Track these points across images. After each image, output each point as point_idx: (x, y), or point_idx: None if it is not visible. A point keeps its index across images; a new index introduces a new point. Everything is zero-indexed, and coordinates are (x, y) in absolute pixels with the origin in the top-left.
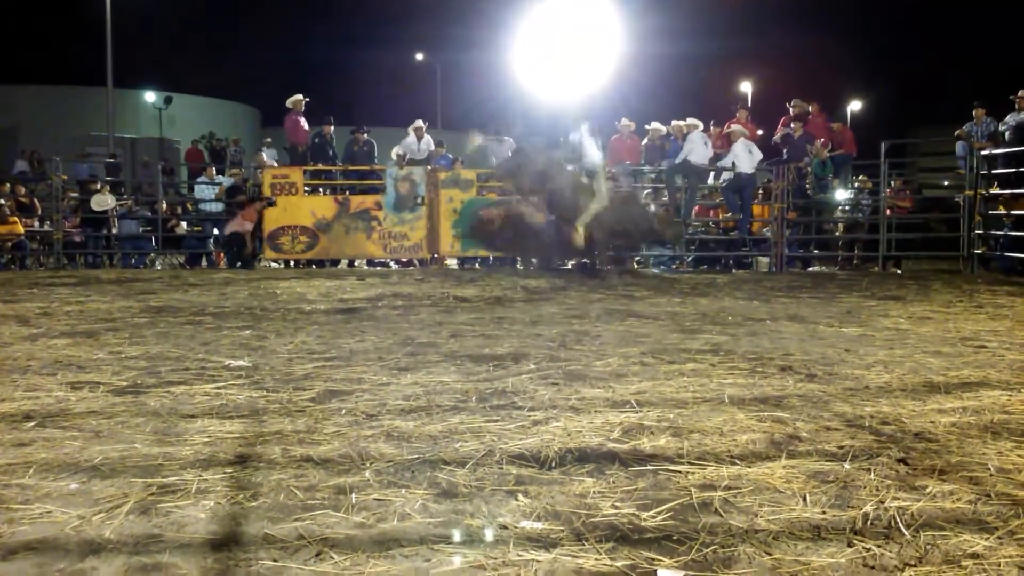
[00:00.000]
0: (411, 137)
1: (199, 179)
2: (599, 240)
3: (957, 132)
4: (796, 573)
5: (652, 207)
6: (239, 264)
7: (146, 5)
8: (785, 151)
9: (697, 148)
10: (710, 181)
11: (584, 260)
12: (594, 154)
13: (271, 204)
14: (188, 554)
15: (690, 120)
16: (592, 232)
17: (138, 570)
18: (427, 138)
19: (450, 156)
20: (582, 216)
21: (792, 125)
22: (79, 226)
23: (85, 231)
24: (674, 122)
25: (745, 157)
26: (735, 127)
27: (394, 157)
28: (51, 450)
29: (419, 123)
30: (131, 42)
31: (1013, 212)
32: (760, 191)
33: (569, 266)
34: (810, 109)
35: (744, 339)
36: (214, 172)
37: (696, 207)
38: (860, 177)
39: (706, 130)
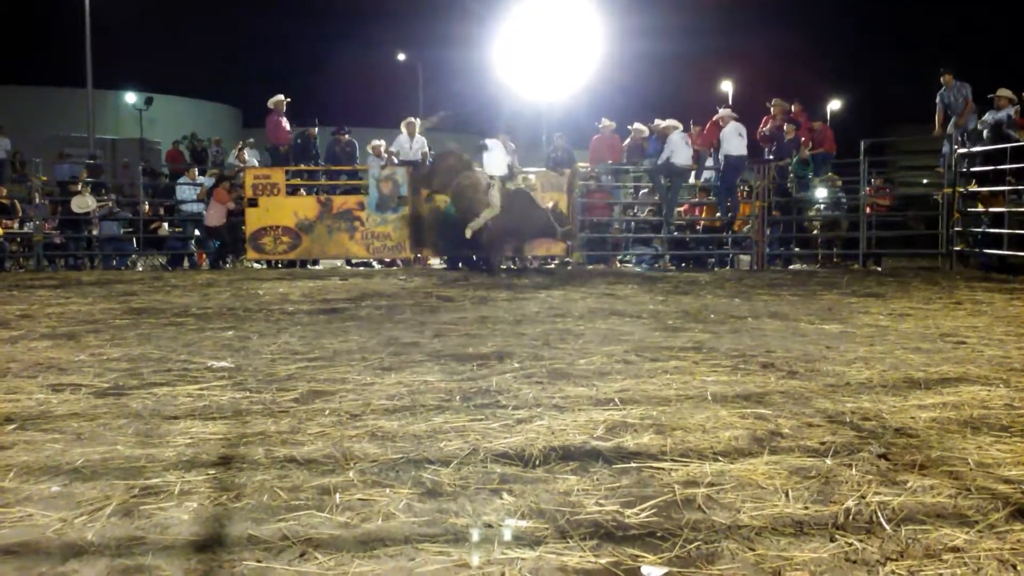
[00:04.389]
0: (403, 135)
1: (180, 180)
2: (492, 240)
3: (938, 124)
4: (779, 568)
5: (547, 206)
6: (222, 262)
7: (126, 5)
8: (771, 148)
9: (679, 149)
10: (691, 180)
11: (480, 256)
12: (496, 165)
13: (231, 181)
14: (171, 556)
15: (670, 121)
16: (485, 233)
17: (121, 572)
18: (419, 137)
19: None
20: (473, 221)
21: (786, 127)
22: (58, 228)
23: (65, 233)
24: (656, 121)
25: (736, 140)
26: (723, 111)
27: (370, 151)
28: (32, 453)
29: (411, 119)
30: (111, 43)
31: (991, 209)
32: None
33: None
34: (792, 108)
35: (726, 337)
36: (196, 173)
37: (684, 207)
38: (829, 174)
39: (686, 130)
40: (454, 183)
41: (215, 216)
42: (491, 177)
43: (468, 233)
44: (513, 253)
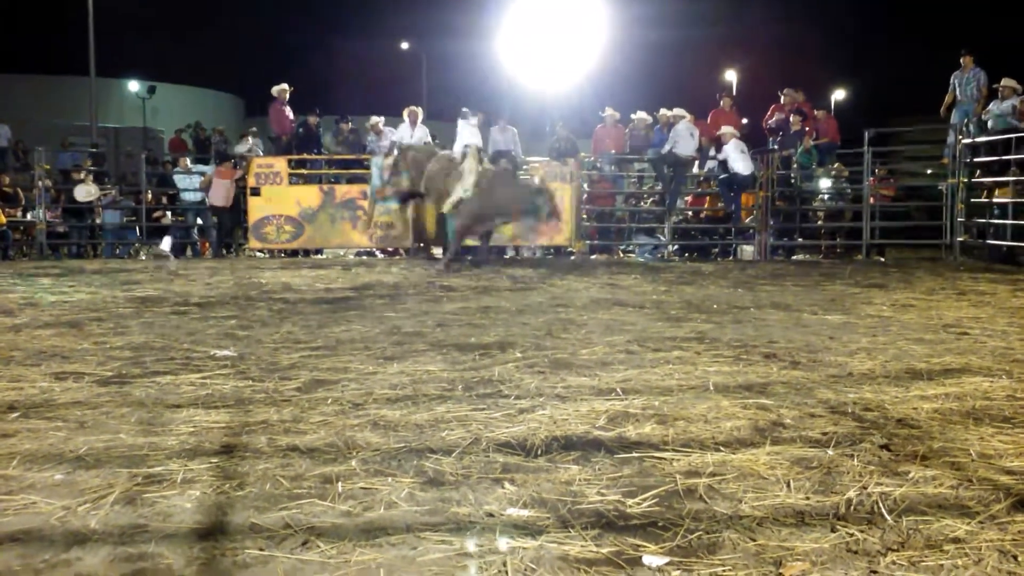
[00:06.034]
0: (405, 124)
1: (175, 170)
2: (464, 226)
3: (944, 106)
4: (780, 558)
5: (533, 180)
6: (224, 249)
7: None
8: (776, 139)
9: (683, 140)
10: (695, 170)
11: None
12: (467, 138)
13: (237, 163)
14: (174, 544)
15: (676, 111)
16: (459, 216)
17: (123, 560)
18: (421, 126)
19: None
20: (446, 201)
21: (792, 119)
22: (61, 216)
23: (68, 221)
24: (661, 110)
25: (739, 158)
26: (725, 129)
27: (368, 128)
28: (35, 441)
29: (413, 108)
30: (114, 31)
31: (995, 200)
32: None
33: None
34: (799, 98)
35: (729, 327)
36: (187, 163)
37: (690, 198)
38: (836, 165)
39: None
40: (425, 174)
41: (219, 195)
42: (466, 147)
43: (447, 208)
44: (481, 239)
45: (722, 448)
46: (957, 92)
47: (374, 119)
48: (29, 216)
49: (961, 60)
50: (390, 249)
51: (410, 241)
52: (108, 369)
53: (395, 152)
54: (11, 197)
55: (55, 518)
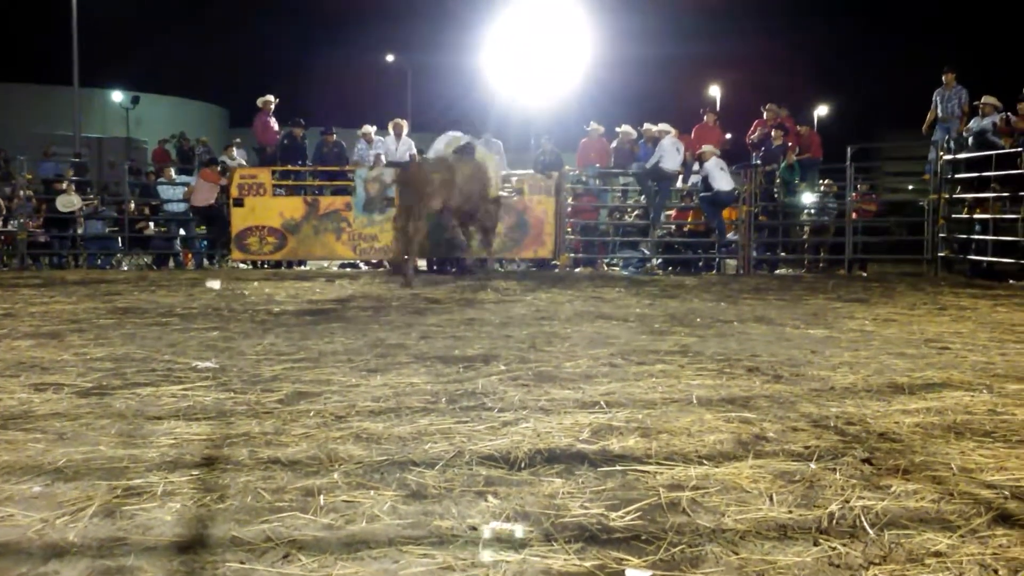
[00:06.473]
0: (390, 136)
1: (159, 180)
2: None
3: (926, 123)
4: (763, 572)
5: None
6: (207, 260)
7: (113, 3)
8: (759, 154)
9: (668, 155)
10: (679, 184)
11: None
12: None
13: (220, 166)
14: (153, 557)
15: (662, 126)
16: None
17: (102, 573)
18: (406, 138)
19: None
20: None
21: (773, 133)
22: (43, 226)
23: (49, 231)
24: (646, 125)
25: (720, 176)
26: (705, 148)
27: (359, 135)
28: (14, 452)
29: (398, 120)
30: (98, 40)
31: (976, 216)
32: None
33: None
34: (782, 113)
35: (712, 340)
36: (172, 173)
37: (673, 212)
38: (826, 181)
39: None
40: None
41: (202, 196)
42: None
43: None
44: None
45: (705, 461)
46: (939, 109)
47: (366, 128)
48: (10, 226)
49: (943, 77)
50: (374, 261)
51: (402, 254)
52: (88, 380)
53: (383, 162)
54: None
55: (33, 531)
